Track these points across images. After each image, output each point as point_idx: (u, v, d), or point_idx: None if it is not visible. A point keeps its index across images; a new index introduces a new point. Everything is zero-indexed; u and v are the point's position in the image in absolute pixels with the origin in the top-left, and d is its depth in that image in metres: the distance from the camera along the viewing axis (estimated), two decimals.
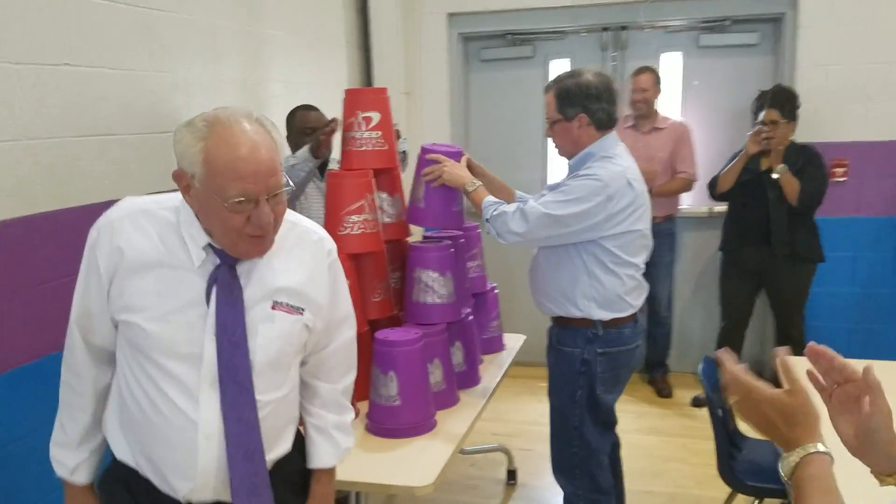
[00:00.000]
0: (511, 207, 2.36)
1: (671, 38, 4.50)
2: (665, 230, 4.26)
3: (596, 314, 2.39)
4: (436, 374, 2.42)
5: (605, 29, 4.53)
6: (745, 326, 4.13)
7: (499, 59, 4.75)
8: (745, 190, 3.84)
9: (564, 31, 4.59)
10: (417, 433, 2.23)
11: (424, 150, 2.58)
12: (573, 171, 2.39)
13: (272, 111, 3.34)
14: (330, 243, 1.59)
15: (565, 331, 2.46)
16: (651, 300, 4.40)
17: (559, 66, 4.67)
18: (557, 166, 4.54)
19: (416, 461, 2.08)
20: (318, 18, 3.87)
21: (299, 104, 3.23)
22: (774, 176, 3.69)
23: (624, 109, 4.31)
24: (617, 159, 2.36)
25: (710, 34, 4.41)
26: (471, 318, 2.69)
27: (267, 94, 3.37)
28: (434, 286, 2.48)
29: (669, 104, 4.48)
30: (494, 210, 2.38)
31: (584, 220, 2.29)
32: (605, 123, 2.39)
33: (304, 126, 3.13)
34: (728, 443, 2.58)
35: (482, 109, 4.84)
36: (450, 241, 2.58)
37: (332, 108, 3.60)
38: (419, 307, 2.50)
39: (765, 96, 3.84)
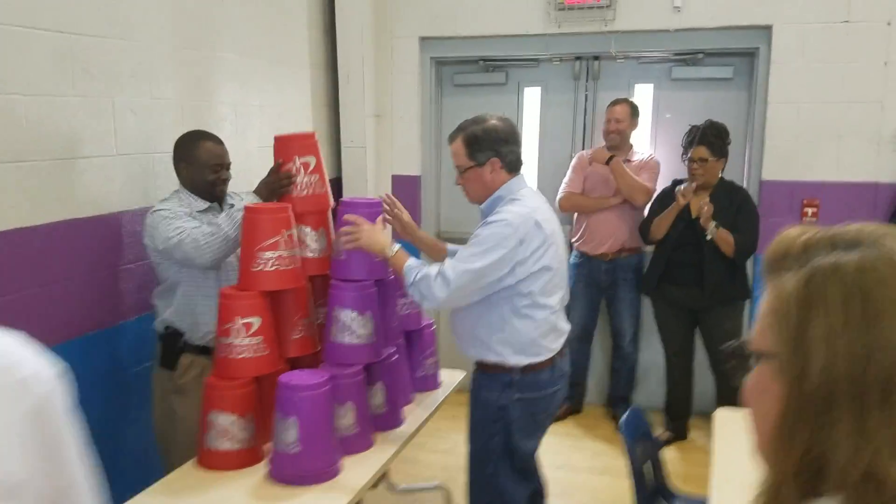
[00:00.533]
0: (434, 270, 2.30)
1: (644, 70, 4.42)
2: (629, 264, 4.19)
3: (511, 360, 2.35)
4: (347, 418, 2.36)
5: (577, 58, 4.47)
6: (690, 360, 4.13)
7: (472, 84, 4.70)
8: (678, 235, 3.87)
9: (538, 59, 4.53)
10: (317, 481, 2.17)
11: (345, 205, 2.52)
12: (484, 216, 2.38)
13: (221, 134, 3.30)
14: (40, 384, 0.93)
15: (483, 376, 2.42)
16: (615, 335, 4.33)
17: (532, 94, 4.61)
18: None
19: None
20: (277, 40, 3.83)
21: (196, 129, 2.80)
22: (708, 237, 3.70)
23: (599, 140, 4.25)
24: (525, 200, 2.36)
25: (683, 66, 4.34)
26: (395, 357, 2.62)
27: (213, 116, 3.33)
28: (352, 326, 2.42)
29: (640, 136, 4.41)
30: (416, 275, 2.32)
31: (502, 266, 2.27)
32: (515, 166, 2.42)
33: (212, 162, 2.67)
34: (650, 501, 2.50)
35: None
36: (371, 281, 2.51)
37: (296, 129, 3.59)
38: (336, 347, 2.44)
39: (694, 132, 3.81)
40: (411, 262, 2.36)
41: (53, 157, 2.48)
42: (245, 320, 2.29)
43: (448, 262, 2.32)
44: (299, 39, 4.03)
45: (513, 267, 2.28)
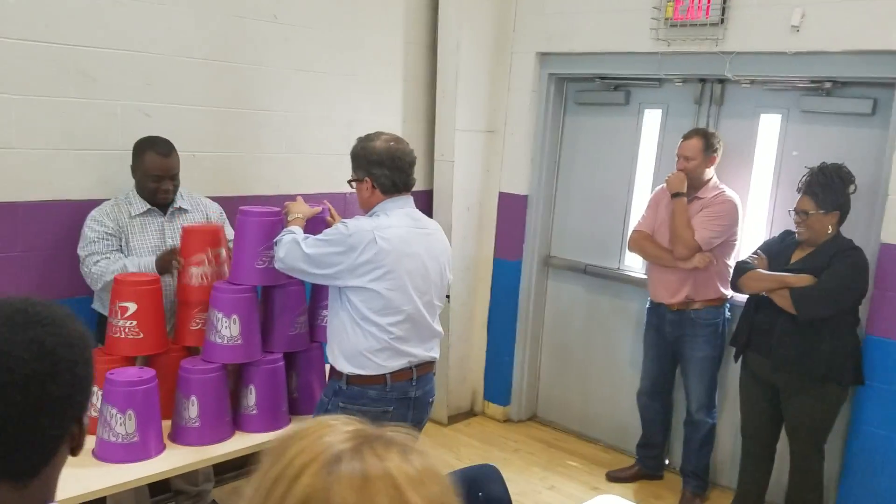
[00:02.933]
0: (297, 236, 2.46)
1: (772, 97, 3.74)
2: (703, 319, 3.63)
3: (340, 365, 2.44)
4: (190, 411, 2.55)
5: (701, 80, 3.95)
6: (767, 445, 3.43)
7: (592, 103, 4.42)
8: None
9: (660, 80, 4.10)
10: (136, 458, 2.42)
11: (241, 213, 2.70)
12: None
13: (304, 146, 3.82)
14: None
15: (329, 379, 2.54)
16: (686, 397, 3.81)
17: (653, 116, 4.19)
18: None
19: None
20: (372, 58, 4.06)
21: (147, 137, 3.00)
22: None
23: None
24: (380, 217, 2.44)
25: (814, 96, 3.58)
26: (275, 365, 2.72)
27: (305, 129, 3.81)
28: (217, 326, 2.60)
29: (762, 173, 3.77)
30: (285, 234, 2.50)
31: (328, 264, 2.39)
32: (388, 189, 2.48)
33: (152, 172, 2.91)
34: None
35: (572, 154, 4.54)
36: (246, 287, 2.65)
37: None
38: (207, 344, 2.64)
39: (804, 178, 3.12)
40: (293, 228, 2.53)
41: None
42: (122, 304, 2.61)
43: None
44: (395, 56, 4.21)
45: (342, 270, 2.37)
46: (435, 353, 2.61)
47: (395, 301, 2.40)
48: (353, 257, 2.36)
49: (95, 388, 2.53)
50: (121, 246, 2.91)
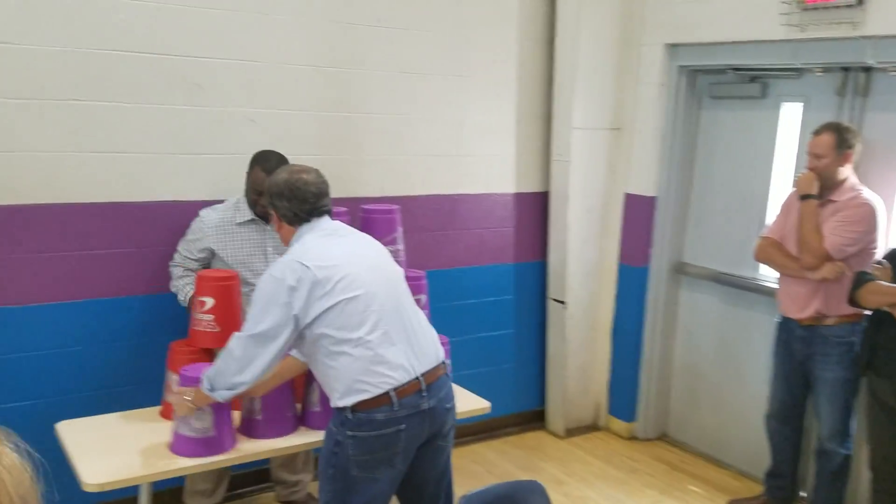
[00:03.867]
0: (217, 363, 2.40)
1: None
2: (835, 336, 3.21)
3: (340, 402, 2.33)
4: (254, 403, 2.64)
5: (844, 69, 3.49)
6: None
7: (727, 96, 4.05)
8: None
9: (798, 70, 3.68)
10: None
11: (364, 212, 2.87)
12: None
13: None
14: None
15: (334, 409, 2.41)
16: (818, 423, 3.41)
17: (791, 110, 3.78)
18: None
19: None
20: (483, 57, 4.01)
21: (263, 151, 3.15)
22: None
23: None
24: (294, 247, 2.40)
25: None
26: None
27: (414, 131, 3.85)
28: None
29: None
30: (206, 377, 2.40)
31: (288, 322, 2.28)
32: (293, 220, 2.43)
33: (255, 187, 3.06)
34: None
35: (706, 152, 4.20)
36: None
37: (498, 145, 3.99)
38: None
39: None
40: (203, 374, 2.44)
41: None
42: (201, 298, 2.75)
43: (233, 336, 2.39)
44: (508, 53, 4.11)
45: (298, 314, 2.27)
46: (438, 356, 2.46)
47: (354, 306, 2.29)
48: (300, 294, 2.26)
49: (173, 376, 2.69)
50: (213, 256, 3.12)
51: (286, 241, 2.49)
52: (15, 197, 2.99)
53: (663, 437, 4.46)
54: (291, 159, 3.21)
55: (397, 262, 2.77)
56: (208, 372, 2.40)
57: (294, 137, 3.48)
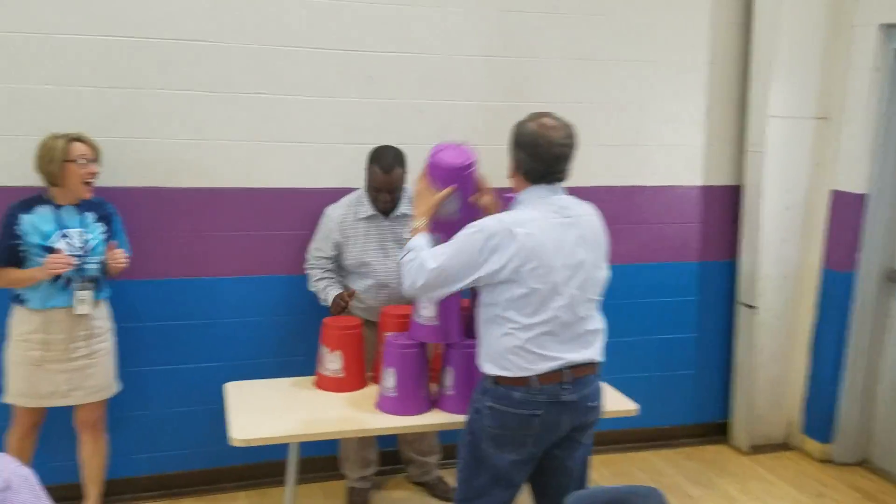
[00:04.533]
0: (421, 255, 2.33)
1: None
2: None
3: (485, 367, 2.35)
4: (388, 381, 2.74)
5: None
6: None
7: None
8: None
9: None
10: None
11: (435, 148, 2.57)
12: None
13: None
14: None
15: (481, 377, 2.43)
16: None
17: None
18: None
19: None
20: (670, 42, 3.81)
21: (382, 146, 3.18)
22: None
23: None
24: (518, 211, 2.32)
25: None
26: (473, 350, 2.73)
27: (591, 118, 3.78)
28: (419, 306, 2.72)
29: None
30: (407, 253, 2.38)
31: (463, 276, 2.28)
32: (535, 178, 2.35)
33: (373, 184, 3.14)
34: None
35: None
36: None
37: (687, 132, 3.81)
38: (411, 323, 2.78)
39: None
40: (419, 241, 2.39)
41: None
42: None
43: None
44: (698, 38, 3.85)
45: (478, 277, 2.25)
46: (594, 355, 2.34)
47: (539, 297, 2.22)
48: (492, 260, 2.20)
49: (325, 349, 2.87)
50: (339, 252, 3.26)
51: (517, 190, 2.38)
52: (209, 180, 3.35)
53: (863, 463, 3.95)
54: None
55: None
56: (420, 244, 2.36)
57: (460, 127, 3.53)
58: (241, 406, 2.79)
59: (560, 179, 2.36)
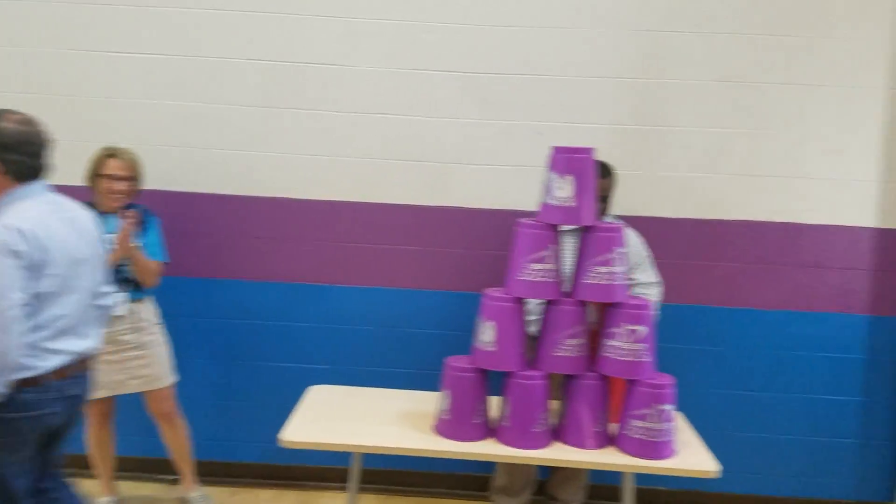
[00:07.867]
0: None
1: None
2: None
3: None
4: (442, 404, 2.69)
5: None
6: None
7: None
8: None
9: None
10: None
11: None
12: None
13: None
14: None
15: None
16: None
17: None
18: None
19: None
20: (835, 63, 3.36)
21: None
22: None
23: None
24: (14, 205, 2.26)
25: None
26: (530, 382, 2.60)
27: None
28: (480, 331, 2.66)
29: None
30: None
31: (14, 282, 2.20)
32: (22, 175, 2.31)
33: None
34: None
35: None
36: (509, 296, 2.62)
37: (862, 161, 3.43)
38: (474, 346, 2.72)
39: None
40: None
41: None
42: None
43: None
44: (873, 57, 3.33)
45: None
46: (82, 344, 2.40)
47: (51, 293, 2.25)
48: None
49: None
50: None
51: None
52: (339, 194, 3.54)
53: None
54: None
55: (611, 284, 2.54)
56: None
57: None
58: (309, 409, 2.88)
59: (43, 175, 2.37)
